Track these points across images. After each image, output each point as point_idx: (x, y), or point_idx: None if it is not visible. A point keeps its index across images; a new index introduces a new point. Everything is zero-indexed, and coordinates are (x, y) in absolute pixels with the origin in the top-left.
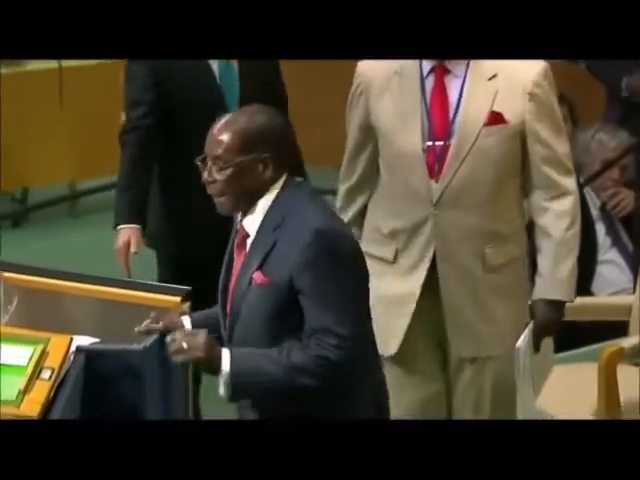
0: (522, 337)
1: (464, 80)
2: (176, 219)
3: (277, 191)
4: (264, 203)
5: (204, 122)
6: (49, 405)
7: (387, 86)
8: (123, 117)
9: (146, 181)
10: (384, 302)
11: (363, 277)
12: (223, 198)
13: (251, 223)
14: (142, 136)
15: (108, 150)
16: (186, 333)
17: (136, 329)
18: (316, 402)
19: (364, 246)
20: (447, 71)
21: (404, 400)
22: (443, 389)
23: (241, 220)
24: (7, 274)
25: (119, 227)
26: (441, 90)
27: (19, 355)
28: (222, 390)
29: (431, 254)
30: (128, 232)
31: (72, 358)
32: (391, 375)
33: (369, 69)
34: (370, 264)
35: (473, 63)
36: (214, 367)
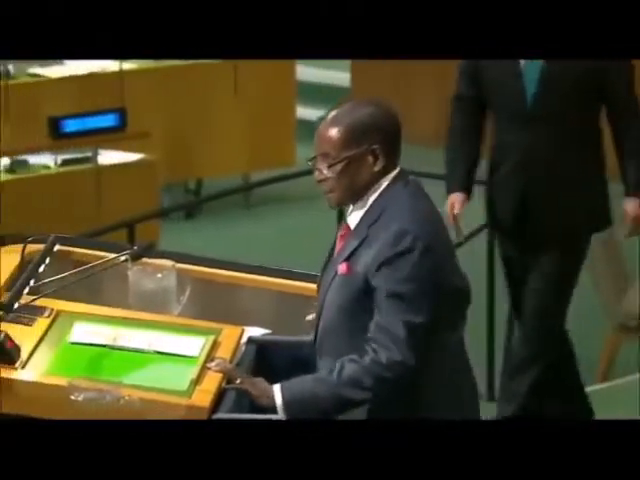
0: None
1: None
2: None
3: (387, 183)
4: (372, 199)
5: (501, 109)
6: (220, 396)
7: None
8: (297, 110)
9: (468, 150)
10: None
11: (438, 285)
12: (333, 194)
13: (354, 218)
14: (465, 106)
15: (281, 142)
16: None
17: (307, 318)
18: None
19: None
20: None
21: None
22: None
23: (349, 214)
24: (180, 265)
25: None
26: None
27: (191, 345)
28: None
29: None
30: (453, 198)
31: (243, 349)
32: None
33: None
34: None
35: None
36: (268, 402)
